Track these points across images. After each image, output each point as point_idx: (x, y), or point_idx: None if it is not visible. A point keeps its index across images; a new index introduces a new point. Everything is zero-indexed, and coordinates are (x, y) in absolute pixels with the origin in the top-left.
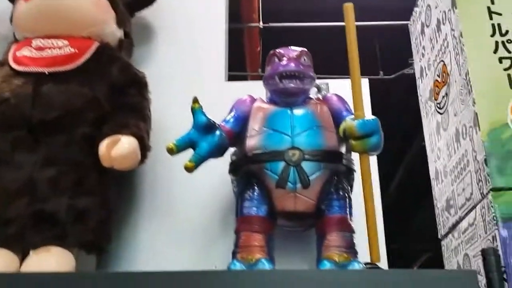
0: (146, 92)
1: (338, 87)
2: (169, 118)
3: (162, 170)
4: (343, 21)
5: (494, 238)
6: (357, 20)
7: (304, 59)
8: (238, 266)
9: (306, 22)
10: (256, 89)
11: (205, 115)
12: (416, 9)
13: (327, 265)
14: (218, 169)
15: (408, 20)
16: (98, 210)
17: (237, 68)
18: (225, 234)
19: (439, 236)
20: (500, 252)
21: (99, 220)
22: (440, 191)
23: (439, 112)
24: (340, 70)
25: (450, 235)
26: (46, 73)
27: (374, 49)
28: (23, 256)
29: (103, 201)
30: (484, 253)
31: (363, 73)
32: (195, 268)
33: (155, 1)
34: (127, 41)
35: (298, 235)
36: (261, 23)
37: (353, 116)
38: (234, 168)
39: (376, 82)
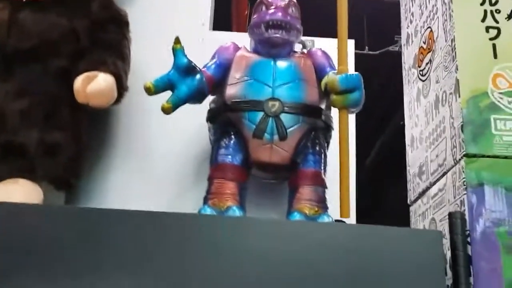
0: (127, 31)
1: (324, 46)
2: (149, 60)
3: (138, 112)
4: None
5: (462, 202)
6: None
7: (292, 10)
8: (208, 211)
9: None
10: (240, 40)
11: (186, 57)
12: None
13: (297, 216)
14: (196, 116)
15: None
16: (69, 145)
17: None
18: (198, 181)
19: (408, 202)
20: (467, 217)
21: (70, 156)
22: (414, 157)
23: (421, 79)
24: (329, 35)
25: (419, 201)
26: (23, 0)
27: (361, 24)
28: None
29: (75, 137)
30: (451, 216)
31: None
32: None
33: None
34: None
35: (271, 187)
36: None
37: (335, 71)
38: (212, 116)
39: (361, 57)
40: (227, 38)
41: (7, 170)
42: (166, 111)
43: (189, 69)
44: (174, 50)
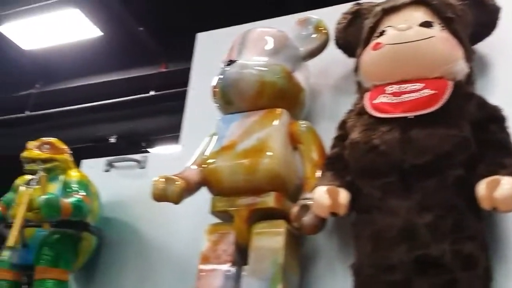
0: (507, 126)
1: None
2: None
3: None
4: None
5: None
6: None
7: None
8: None
9: None
10: None
11: None
12: None
13: None
14: None
15: None
16: (481, 255)
17: None
18: None
19: None
20: None
21: (485, 267)
22: None
23: None
24: None
25: None
26: (411, 117)
27: None
28: None
29: (484, 245)
30: None
31: None
32: None
33: (494, 30)
34: (474, 75)
35: None
36: None
37: None
38: None
39: None
40: None
41: (428, 284)
42: None
43: None
44: None
